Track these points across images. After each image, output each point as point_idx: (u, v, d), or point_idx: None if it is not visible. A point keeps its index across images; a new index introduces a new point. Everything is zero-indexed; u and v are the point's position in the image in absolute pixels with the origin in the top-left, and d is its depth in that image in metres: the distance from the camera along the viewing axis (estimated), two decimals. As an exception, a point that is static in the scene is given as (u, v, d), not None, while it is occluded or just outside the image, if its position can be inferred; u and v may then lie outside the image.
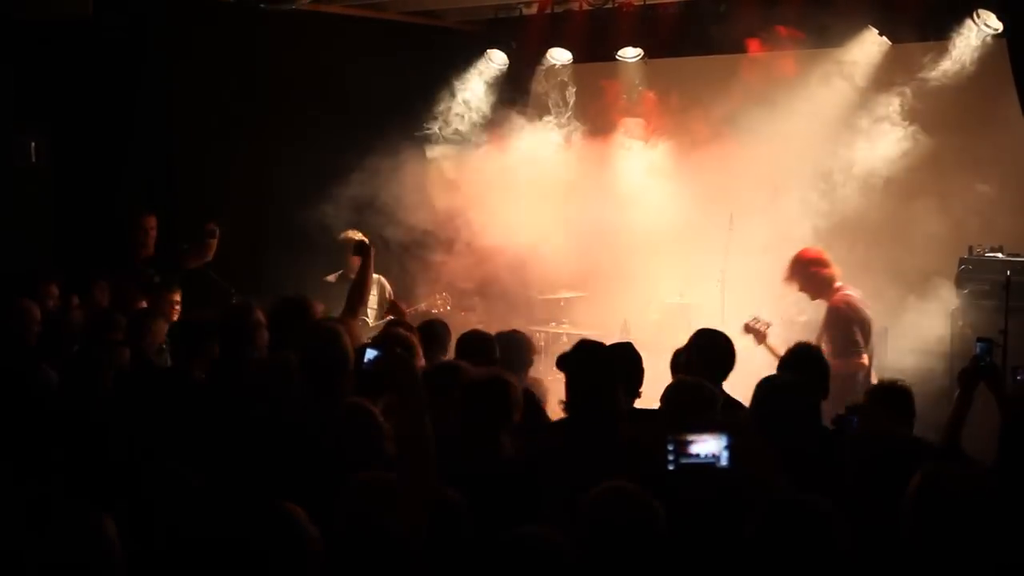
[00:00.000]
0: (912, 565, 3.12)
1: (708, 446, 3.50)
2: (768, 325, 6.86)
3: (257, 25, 8.20)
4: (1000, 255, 7.75)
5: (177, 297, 6.98)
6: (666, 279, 8.91)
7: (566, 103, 9.59)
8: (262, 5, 6.85)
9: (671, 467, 3.49)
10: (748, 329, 6.82)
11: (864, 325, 6.87)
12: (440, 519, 3.32)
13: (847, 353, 6.73)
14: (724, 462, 3.50)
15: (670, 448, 3.49)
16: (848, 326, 6.79)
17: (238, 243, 8.72)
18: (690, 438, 3.51)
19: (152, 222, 7.72)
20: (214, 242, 7.77)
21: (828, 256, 7.08)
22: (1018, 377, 4.83)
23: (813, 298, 7.13)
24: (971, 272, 7.72)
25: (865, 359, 6.81)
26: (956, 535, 3.07)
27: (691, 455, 3.50)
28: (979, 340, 4.90)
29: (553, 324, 9.36)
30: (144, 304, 6.81)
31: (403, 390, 3.61)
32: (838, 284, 7.00)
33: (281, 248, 8.64)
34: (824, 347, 6.73)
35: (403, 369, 3.65)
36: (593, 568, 3.11)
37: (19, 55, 7.74)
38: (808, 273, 7.02)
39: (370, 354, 4.38)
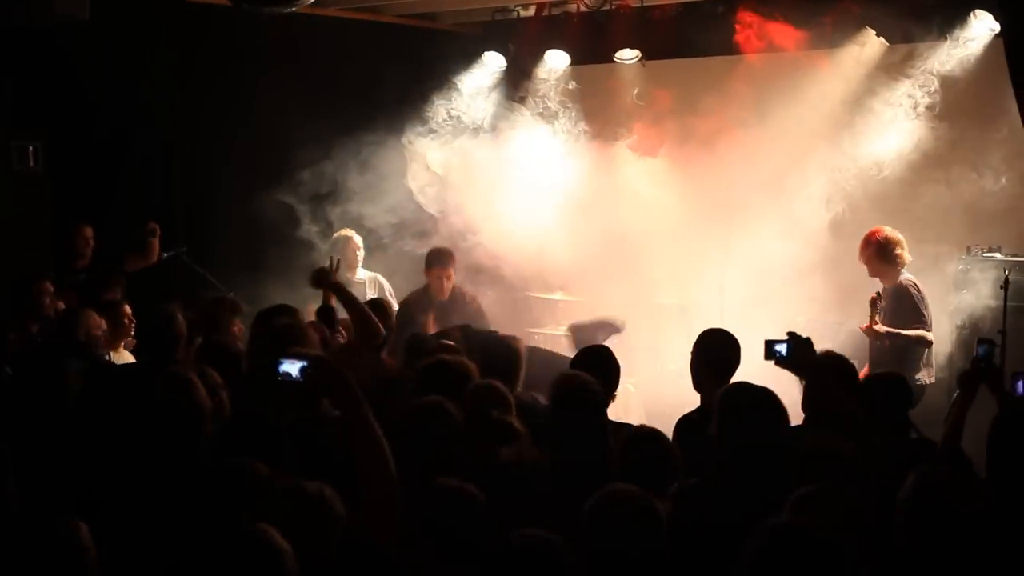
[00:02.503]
0: (905, 566, 3.12)
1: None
2: None
3: (254, 29, 8.19)
4: (998, 255, 7.76)
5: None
6: (665, 281, 8.91)
7: (563, 105, 9.59)
8: (263, 8, 6.83)
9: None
10: None
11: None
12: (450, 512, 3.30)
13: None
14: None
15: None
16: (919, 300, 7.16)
17: (236, 245, 8.74)
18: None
19: (89, 232, 7.67)
20: (155, 242, 7.68)
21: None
22: (1019, 384, 4.71)
23: (881, 276, 7.28)
24: (969, 272, 7.72)
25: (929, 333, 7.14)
26: (948, 537, 3.06)
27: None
28: (980, 341, 4.85)
29: (552, 325, 9.35)
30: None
31: (343, 403, 3.51)
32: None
33: (281, 250, 8.66)
34: (887, 320, 7.09)
35: (338, 381, 3.52)
36: (596, 572, 3.10)
37: (16, 59, 7.73)
38: (889, 254, 7.19)
39: (289, 366, 3.76)
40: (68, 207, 7.88)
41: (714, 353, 5.11)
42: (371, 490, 3.43)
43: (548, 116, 9.54)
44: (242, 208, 8.65)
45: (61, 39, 7.62)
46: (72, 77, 7.92)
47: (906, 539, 3.15)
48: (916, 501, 3.16)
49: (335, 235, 8.50)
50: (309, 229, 8.70)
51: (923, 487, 3.17)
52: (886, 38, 8.27)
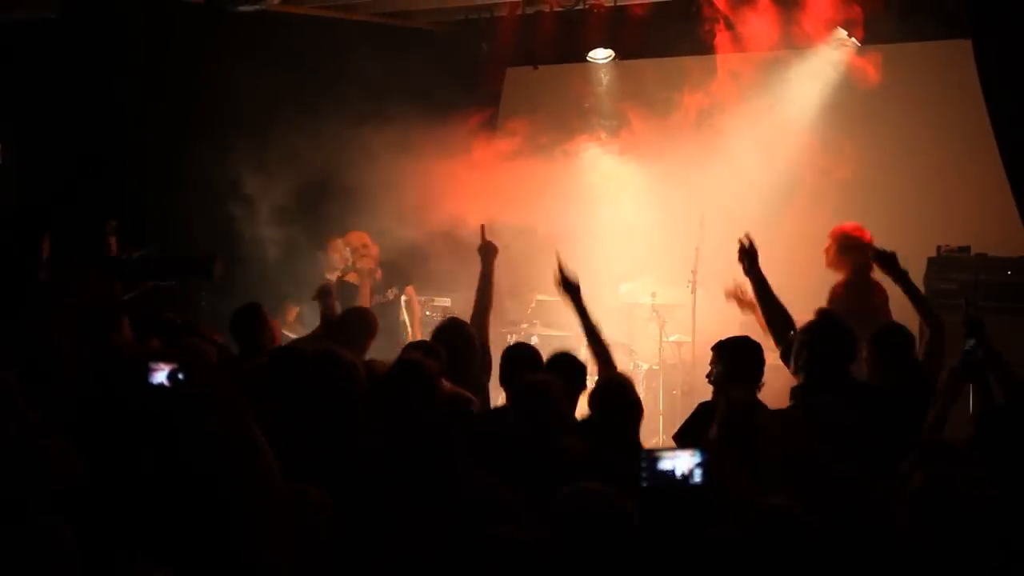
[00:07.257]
0: (914, 564, 3.13)
1: (681, 463, 3.44)
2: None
3: (227, 26, 8.15)
4: (968, 254, 7.81)
5: None
6: (638, 280, 8.93)
7: (535, 103, 9.60)
8: (235, 6, 6.80)
9: (644, 483, 3.45)
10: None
11: None
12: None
13: None
14: (697, 479, 3.46)
15: (643, 464, 3.44)
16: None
17: (206, 243, 8.68)
18: (663, 454, 3.46)
19: (115, 225, 7.60)
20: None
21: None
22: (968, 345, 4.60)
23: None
24: (939, 271, 7.77)
25: None
26: (960, 535, 3.07)
27: (664, 472, 3.44)
28: (969, 334, 4.60)
29: (525, 325, 9.35)
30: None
31: (219, 409, 3.24)
32: None
33: (257, 249, 8.62)
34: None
35: (214, 387, 3.31)
36: (563, 567, 3.10)
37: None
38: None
39: (158, 371, 3.56)
40: (35, 203, 7.81)
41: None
42: (259, 505, 3.04)
43: (520, 114, 9.54)
44: (213, 205, 8.61)
45: (30, 35, 7.56)
46: (41, 73, 7.86)
47: (915, 536, 3.15)
48: (927, 498, 3.16)
49: (338, 239, 8.59)
50: (287, 230, 8.68)
51: (933, 484, 3.17)
52: (857, 39, 8.33)
